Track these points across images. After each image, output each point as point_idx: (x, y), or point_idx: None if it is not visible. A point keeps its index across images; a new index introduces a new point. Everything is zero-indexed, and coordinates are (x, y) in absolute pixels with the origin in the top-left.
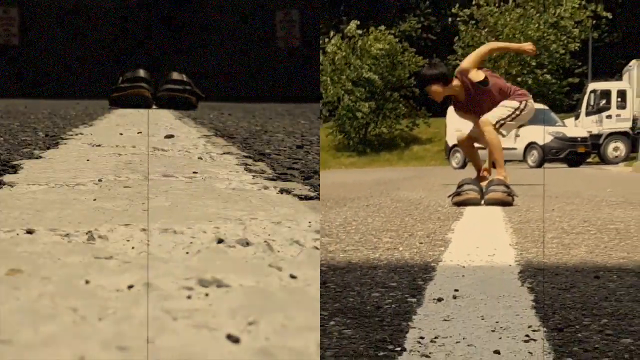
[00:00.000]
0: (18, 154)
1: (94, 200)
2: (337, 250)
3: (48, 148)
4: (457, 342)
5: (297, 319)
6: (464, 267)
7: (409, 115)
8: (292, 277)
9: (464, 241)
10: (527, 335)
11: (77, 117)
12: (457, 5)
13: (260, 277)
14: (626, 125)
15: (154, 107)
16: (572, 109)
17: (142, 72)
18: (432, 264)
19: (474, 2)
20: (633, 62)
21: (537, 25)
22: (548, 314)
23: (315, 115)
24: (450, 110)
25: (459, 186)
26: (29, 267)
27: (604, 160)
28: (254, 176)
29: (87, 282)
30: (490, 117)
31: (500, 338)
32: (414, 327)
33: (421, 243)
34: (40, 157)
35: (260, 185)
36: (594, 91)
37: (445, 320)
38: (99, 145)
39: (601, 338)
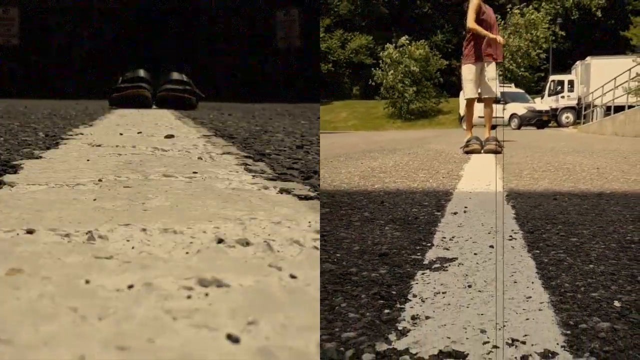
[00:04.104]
0: (18, 154)
1: (94, 200)
2: (390, 182)
3: (48, 148)
4: (466, 240)
5: (297, 319)
6: (470, 192)
7: (436, 96)
8: (292, 277)
9: (470, 176)
10: (510, 236)
11: (77, 117)
12: None
13: (260, 277)
14: (574, 103)
15: (154, 107)
16: (539, 92)
17: (142, 72)
18: (451, 191)
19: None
20: (578, 62)
21: (523, 40)
22: (524, 222)
23: (315, 115)
24: (462, 93)
25: (467, 141)
26: (29, 267)
27: (559, 125)
28: (254, 176)
29: (87, 282)
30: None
31: (493, 237)
32: (439, 231)
33: (444, 177)
34: (40, 157)
35: (260, 185)
36: (553, 81)
37: (459, 226)
38: (99, 145)
39: (557, 237)
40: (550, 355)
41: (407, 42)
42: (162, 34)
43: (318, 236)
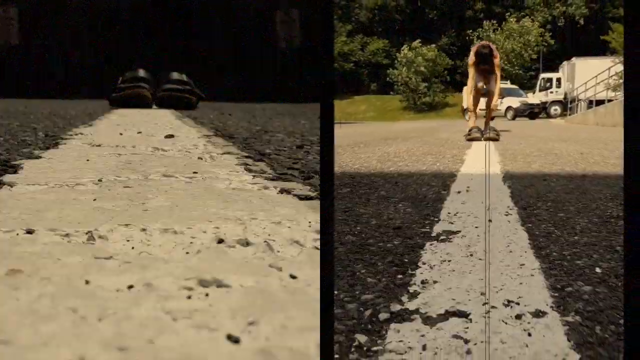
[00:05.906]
0: (18, 154)
1: (94, 200)
2: (403, 165)
3: (48, 148)
4: (468, 215)
5: (297, 319)
6: (472, 174)
7: (443, 91)
8: (292, 277)
9: (472, 160)
10: (506, 212)
11: (77, 117)
12: (469, 29)
13: (260, 277)
14: (561, 97)
15: (154, 107)
16: (531, 88)
17: (142, 72)
18: (455, 173)
19: (478, 32)
20: (564, 63)
21: (517, 44)
22: (518, 200)
23: (315, 115)
24: (464, 89)
25: (470, 130)
26: (29, 267)
27: (548, 116)
28: (254, 176)
29: (87, 282)
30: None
31: (491, 213)
32: (445, 207)
33: (449, 161)
34: (40, 157)
35: (261, 185)
36: (543, 78)
37: (462, 203)
38: (99, 145)
39: (547, 213)
40: (540, 314)
41: (420, 45)
42: (162, 33)
43: (318, 236)
